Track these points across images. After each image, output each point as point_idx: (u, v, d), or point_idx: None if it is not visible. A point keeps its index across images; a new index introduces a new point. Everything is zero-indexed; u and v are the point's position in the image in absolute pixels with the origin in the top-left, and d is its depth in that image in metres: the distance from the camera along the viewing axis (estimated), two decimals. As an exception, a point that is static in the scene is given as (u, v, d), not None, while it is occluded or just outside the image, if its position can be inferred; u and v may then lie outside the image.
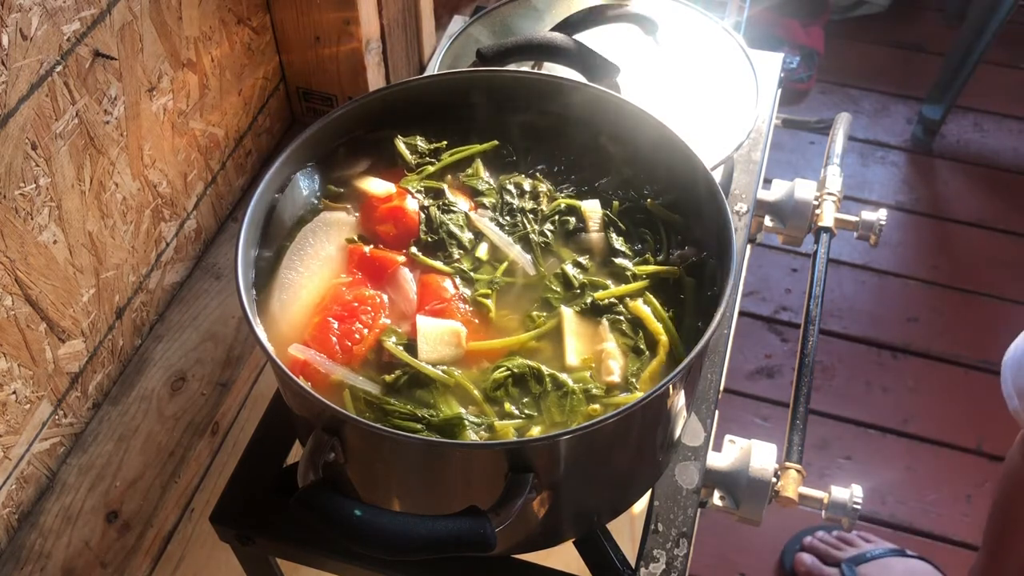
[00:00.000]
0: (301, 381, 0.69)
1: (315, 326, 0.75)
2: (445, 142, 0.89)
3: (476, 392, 0.72)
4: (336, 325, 0.75)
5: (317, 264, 0.80)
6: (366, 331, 0.75)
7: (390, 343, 0.74)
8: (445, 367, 0.73)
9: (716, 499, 0.85)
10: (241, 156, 1.16)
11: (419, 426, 0.70)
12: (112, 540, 0.90)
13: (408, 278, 0.79)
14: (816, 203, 1.09)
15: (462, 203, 0.84)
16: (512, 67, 0.96)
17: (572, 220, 0.83)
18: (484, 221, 0.83)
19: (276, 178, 0.82)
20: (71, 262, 0.88)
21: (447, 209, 0.83)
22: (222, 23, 1.06)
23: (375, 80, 1.23)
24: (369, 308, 0.77)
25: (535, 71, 0.94)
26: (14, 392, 0.84)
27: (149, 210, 0.99)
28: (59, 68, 0.81)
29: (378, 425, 0.67)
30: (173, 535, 0.95)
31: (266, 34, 1.16)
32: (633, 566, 0.78)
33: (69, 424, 0.93)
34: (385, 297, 0.78)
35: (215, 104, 1.08)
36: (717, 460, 0.86)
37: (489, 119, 0.91)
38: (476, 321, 0.77)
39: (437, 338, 0.74)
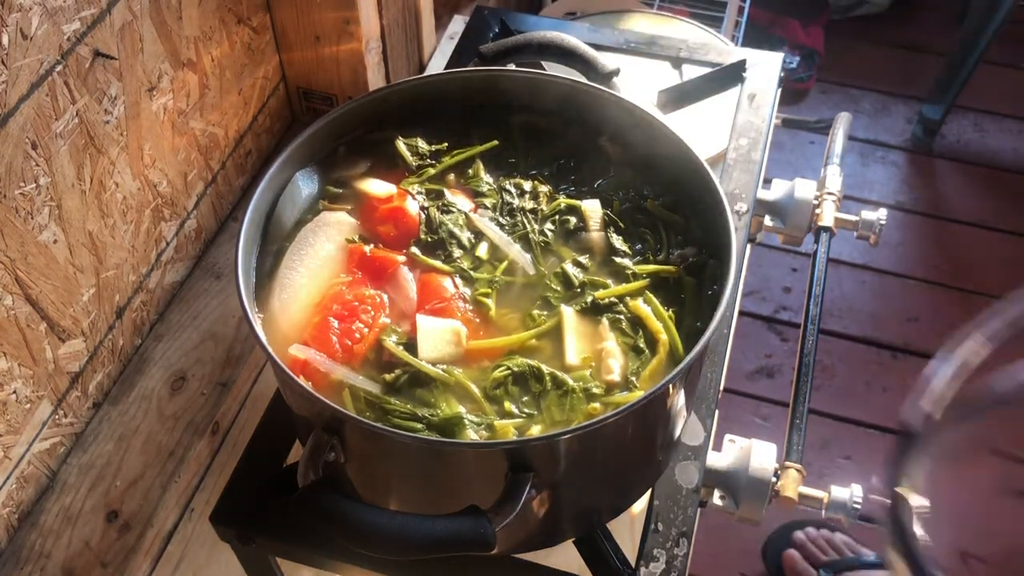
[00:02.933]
0: (301, 381, 0.69)
1: (315, 326, 0.75)
2: (446, 143, 0.89)
3: (476, 391, 0.72)
4: (336, 324, 0.75)
5: (317, 264, 0.80)
6: (366, 330, 0.75)
7: (390, 342, 0.74)
8: (445, 366, 0.73)
9: (716, 499, 0.85)
10: (241, 156, 1.16)
11: (419, 425, 0.70)
12: (112, 540, 0.90)
13: (408, 278, 0.79)
14: (816, 203, 1.09)
15: (463, 203, 0.84)
16: (512, 67, 0.96)
17: (572, 220, 0.83)
18: (484, 221, 0.83)
19: (276, 178, 0.82)
20: (71, 262, 0.88)
21: (447, 209, 0.83)
22: (222, 23, 1.06)
23: (375, 80, 1.23)
24: (369, 307, 0.77)
25: (535, 71, 0.94)
26: (14, 392, 0.84)
27: (149, 210, 0.99)
28: (59, 68, 0.81)
29: (378, 425, 0.67)
30: (173, 535, 0.94)
31: (266, 34, 1.16)
32: (633, 566, 0.78)
33: (69, 424, 0.93)
34: (385, 297, 0.78)
35: (215, 104, 1.08)
36: (717, 460, 0.86)
37: (489, 119, 0.91)
38: (476, 320, 0.77)
39: (437, 337, 0.74)
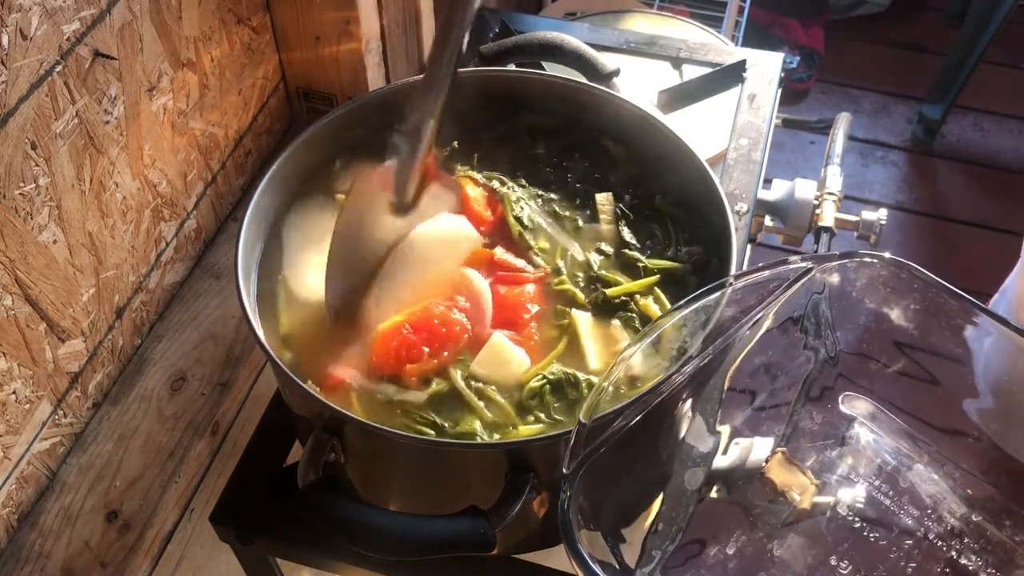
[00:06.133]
0: (309, 386, 0.69)
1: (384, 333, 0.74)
2: (456, 142, 0.89)
3: (511, 410, 0.71)
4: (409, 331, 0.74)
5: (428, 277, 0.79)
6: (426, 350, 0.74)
7: (457, 377, 0.73)
8: (483, 385, 0.73)
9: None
10: (241, 156, 1.16)
11: (431, 432, 0.70)
12: (112, 540, 0.90)
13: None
14: (816, 203, 1.09)
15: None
16: (512, 67, 0.96)
17: (587, 211, 0.84)
18: (535, 210, 0.84)
19: (276, 178, 0.81)
20: (71, 262, 0.88)
21: (518, 200, 0.84)
22: (222, 23, 1.06)
23: (375, 80, 1.23)
24: (444, 330, 0.75)
25: (535, 71, 0.94)
26: (14, 392, 0.84)
27: (149, 210, 0.99)
28: (59, 68, 0.81)
29: (378, 425, 0.67)
30: (173, 535, 0.94)
31: (266, 34, 1.16)
32: (633, 565, 0.78)
33: (69, 424, 0.93)
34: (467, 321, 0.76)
35: (215, 104, 1.08)
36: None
37: (489, 119, 0.91)
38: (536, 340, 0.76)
39: (499, 361, 0.73)
